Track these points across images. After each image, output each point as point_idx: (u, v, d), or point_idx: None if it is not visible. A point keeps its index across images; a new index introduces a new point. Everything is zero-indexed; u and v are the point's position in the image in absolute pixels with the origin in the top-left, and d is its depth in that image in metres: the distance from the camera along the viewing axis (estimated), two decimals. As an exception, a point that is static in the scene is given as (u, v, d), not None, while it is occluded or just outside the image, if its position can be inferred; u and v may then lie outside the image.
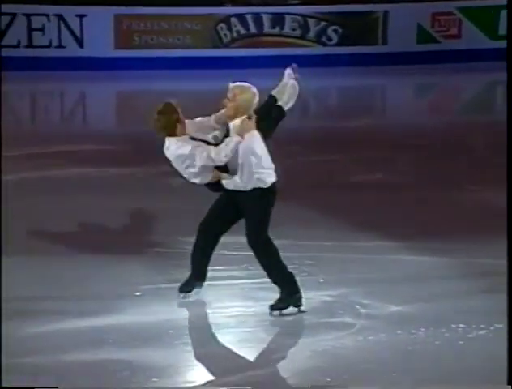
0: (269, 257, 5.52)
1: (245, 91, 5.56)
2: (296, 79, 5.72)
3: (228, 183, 5.52)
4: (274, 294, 5.72)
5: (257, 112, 5.54)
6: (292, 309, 5.57)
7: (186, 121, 5.66)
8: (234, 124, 5.53)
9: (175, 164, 5.62)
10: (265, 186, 5.49)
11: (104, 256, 6.51)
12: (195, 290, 5.76)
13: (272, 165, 5.54)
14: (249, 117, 5.47)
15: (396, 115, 12.90)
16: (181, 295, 5.76)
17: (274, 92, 5.70)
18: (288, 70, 5.77)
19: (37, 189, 8.18)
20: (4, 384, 4.63)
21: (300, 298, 5.57)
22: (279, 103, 5.65)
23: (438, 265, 6.40)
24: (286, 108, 5.67)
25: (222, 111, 5.65)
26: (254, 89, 5.58)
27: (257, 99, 5.56)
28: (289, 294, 5.56)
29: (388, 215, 7.50)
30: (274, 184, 5.55)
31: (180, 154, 5.54)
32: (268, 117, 5.56)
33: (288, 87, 5.69)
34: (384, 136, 10.90)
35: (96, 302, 5.71)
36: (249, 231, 5.53)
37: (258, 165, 5.45)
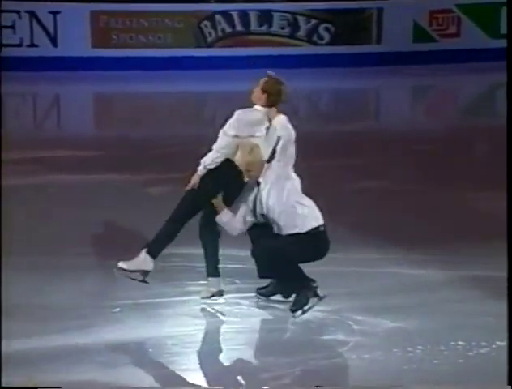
0: None
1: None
2: None
3: None
4: (262, 310, 5.75)
5: None
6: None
7: None
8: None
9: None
10: None
11: (79, 270, 6.50)
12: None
13: None
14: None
15: (391, 118, 12.95)
16: (259, 297, 5.92)
17: None
18: None
19: (11, 197, 8.16)
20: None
21: None
22: None
23: (436, 278, 6.42)
24: None
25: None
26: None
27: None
28: None
29: (381, 224, 7.52)
30: None
31: None
32: None
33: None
34: (379, 140, 10.94)
35: (71, 319, 5.71)
36: None
37: None
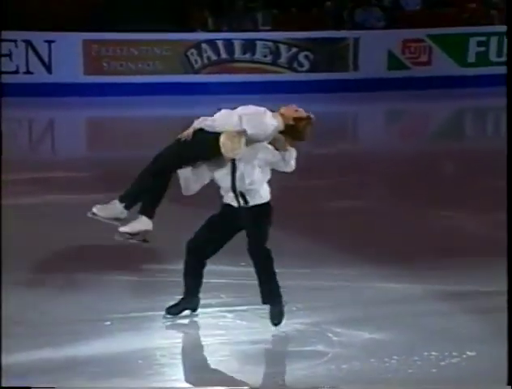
0: None
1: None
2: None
3: None
4: (244, 322, 5.74)
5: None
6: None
7: None
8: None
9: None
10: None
11: (72, 285, 6.48)
12: (185, 313, 5.76)
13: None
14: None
15: (367, 141, 13.01)
16: (168, 316, 5.78)
17: None
18: None
19: (6, 216, 8.14)
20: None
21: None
22: None
23: (411, 292, 6.44)
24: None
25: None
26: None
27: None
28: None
29: (360, 241, 7.55)
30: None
31: None
32: None
33: None
34: (356, 163, 10.99)
35: (62, 332, 5.68)
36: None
37: None
